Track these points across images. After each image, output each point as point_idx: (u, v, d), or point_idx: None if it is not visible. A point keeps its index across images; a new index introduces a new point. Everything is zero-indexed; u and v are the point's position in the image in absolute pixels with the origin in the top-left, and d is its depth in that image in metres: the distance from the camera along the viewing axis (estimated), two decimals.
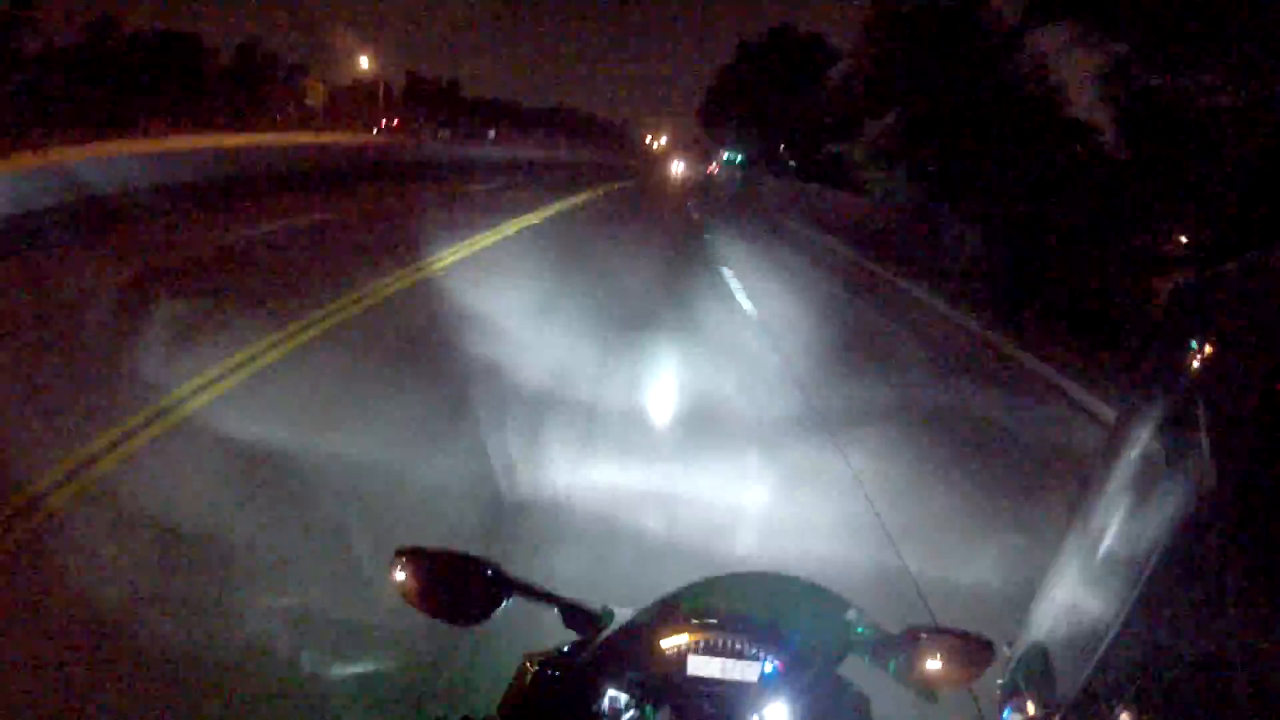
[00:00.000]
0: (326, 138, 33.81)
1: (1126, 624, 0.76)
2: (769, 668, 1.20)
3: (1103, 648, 0.84)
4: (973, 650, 1.31)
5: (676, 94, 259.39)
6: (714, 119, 64.82)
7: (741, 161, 74.13)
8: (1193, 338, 1.20)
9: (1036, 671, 1.02)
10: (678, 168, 79.26)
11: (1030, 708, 0.96)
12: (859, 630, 1.34)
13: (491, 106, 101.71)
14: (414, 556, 1.34)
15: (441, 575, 1.34)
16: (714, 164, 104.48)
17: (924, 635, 1.31)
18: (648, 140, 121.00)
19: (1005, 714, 0.92)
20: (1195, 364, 1.12)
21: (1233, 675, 0.68)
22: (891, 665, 1.31)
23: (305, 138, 31.92)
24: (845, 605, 1.35)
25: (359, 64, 53.57)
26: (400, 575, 1.33)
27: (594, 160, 71.76)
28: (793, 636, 1.23)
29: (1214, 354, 1.08)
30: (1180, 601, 0.76)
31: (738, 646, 1.20)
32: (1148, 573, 0.79)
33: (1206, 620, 0.73)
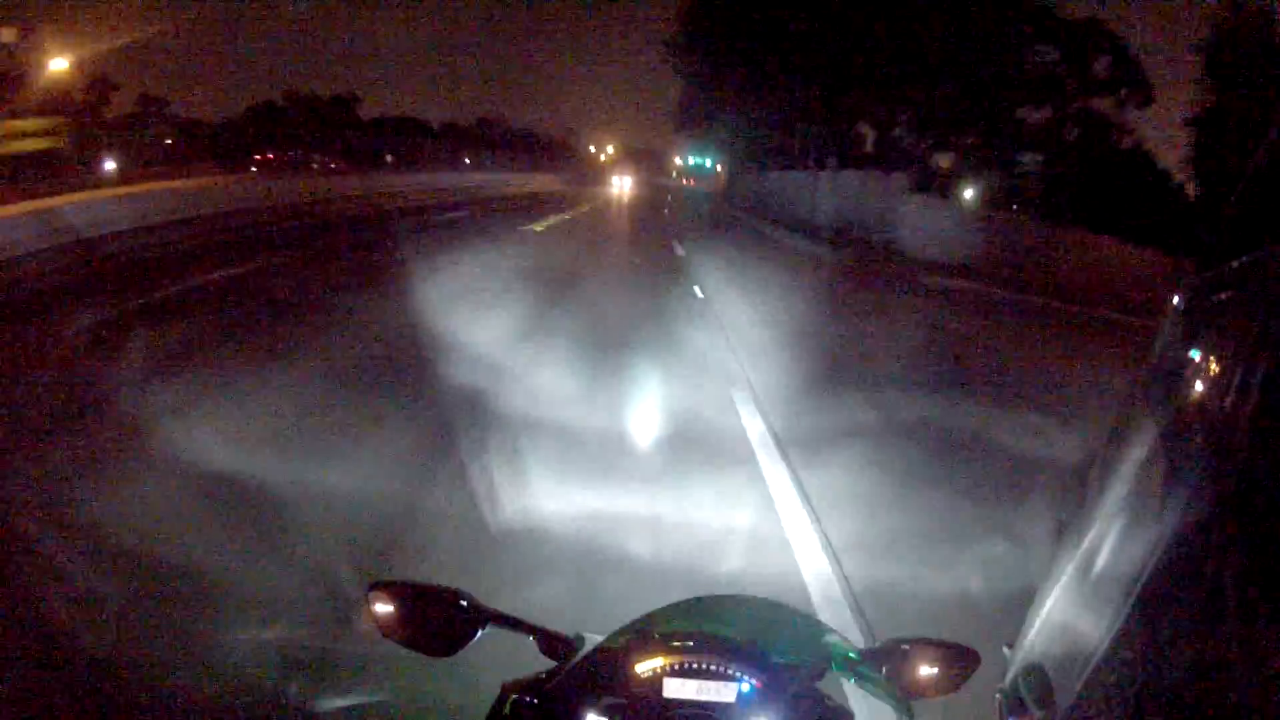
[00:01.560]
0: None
1: (1125, 632, 0.76)
2: (746, 687, 1.19)
3: (1100, 655, 0.84)
4: (956, 658, 1.31)
5: (630, 100, 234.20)
6: (691, 109, 51.58)
7: (710, 168, 73.99)
8: (1191, 343, 1.21)
9: (1036, 680, 1.02)
10: (621, 185, 70.53)
11: (1059, 619, 0.95)
12: (837, 646, 1.34)
13: (399, 126, 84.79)
14: (387, 589, 1.34)
15: (416, 607, 1.34)
16: (676, 174, 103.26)
17: (905, 646, 1.32)
18: (593, 151, 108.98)
19: (1034, 628, 0.92)
20: (1193, 369, 1.13)
21: (1232, 683, 0.69)
22: (871, 679, 1.31)
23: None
24: (822, 627, 1.35)
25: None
26: (375, 607, 1.33)
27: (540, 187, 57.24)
28: (770, 655, 1.23)
29: (1213, 358, 1.09)
30: (1179, 609, 0.76)
31: (714, 667, 1.19)
32: (1146, 580, 0.80)
33: (1206, 628, 0.73)
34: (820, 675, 1.28)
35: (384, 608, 1.33)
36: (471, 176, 55.12)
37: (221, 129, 66.45)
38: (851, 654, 1.33)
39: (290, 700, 3.08)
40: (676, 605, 1.30)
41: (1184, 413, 1.07)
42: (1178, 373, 1.24)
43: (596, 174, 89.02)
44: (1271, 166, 1.43)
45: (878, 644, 1.36)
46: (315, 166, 52.10)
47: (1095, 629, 0.96)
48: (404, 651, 1.35)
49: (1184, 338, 1.28)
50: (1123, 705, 0.75)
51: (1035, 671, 1.05)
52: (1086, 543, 1.30)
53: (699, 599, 1.32)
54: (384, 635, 1.35)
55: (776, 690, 1.20)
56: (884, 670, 1.32)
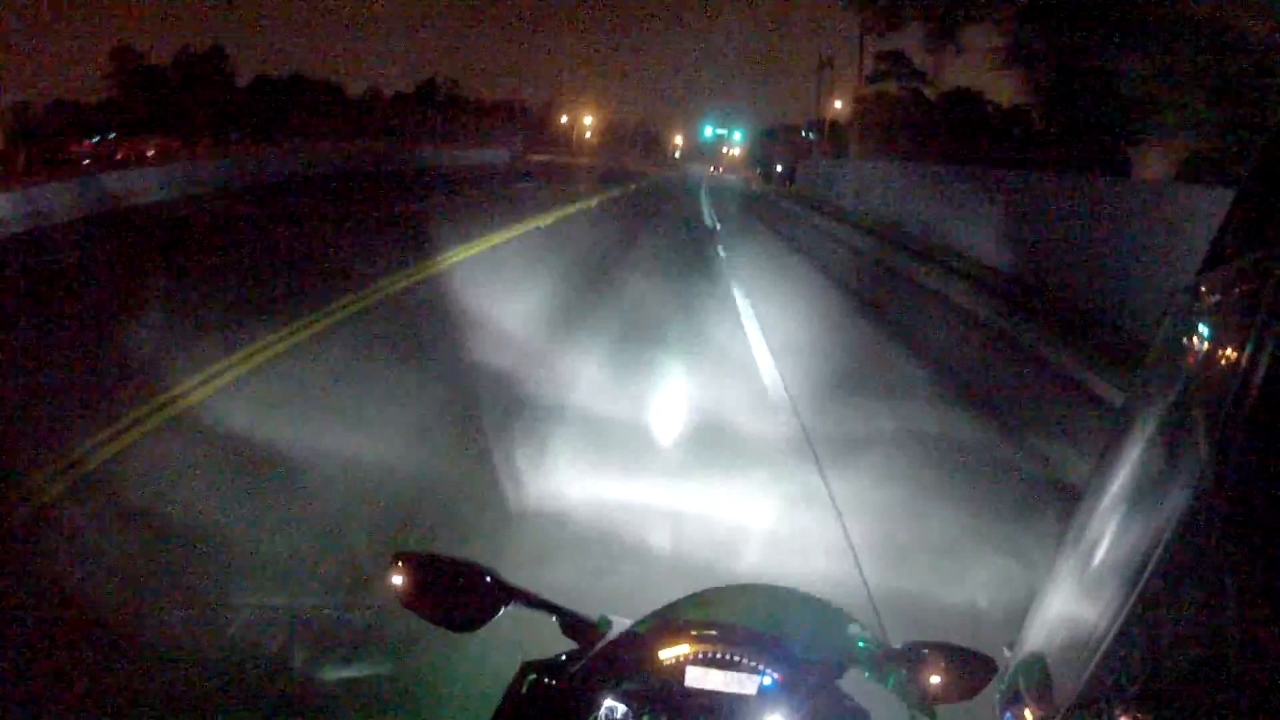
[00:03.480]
0: None
1: (1125, 627, 0.76)
2: (768, 680, 1.18)
3: (1101, 651, 0.84)
4: (974, 666, 1.29)
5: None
6: None
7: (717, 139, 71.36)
8: (1191, 336, 1.20)
9: (1035, 677, 1.01)
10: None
11: (1028, 715, 0.95)
12: (860, 644, 1.33)
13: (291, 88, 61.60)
14: (412, 561, 1.34)
15: (440, 580, 1.33)
16: (678, 156, 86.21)
17: (925, 650, 1.30)
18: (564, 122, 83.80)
19: (1034, 628, 0.91)
20: (1193, 362, 1.11)
21: (1232, 677, 0.68)
22: (891, 680, 1.29)
23: None
24: (846, 618, 1.34)
25: None
26: (398, 579, 1.33)
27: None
28: (793, 649, 1.22)
29: (1212, 352, 1.08)
30: (1179, 603, 0.76)
31: (737, 658, 1.18)
32: (1146, 575, 0.79)
33: (1206, 621, 0.73)
34: (841, 672, 1.27)
35: (406, 579, 1.33)
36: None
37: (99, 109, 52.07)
38: (873, 652, 1.32)
39: (307, 669, 3.11)
40: (702, 593, 1.29)
41: (1183, 410, 1.06)
42: (1179, 371, 1.23)
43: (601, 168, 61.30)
44: (1274, 164, 1.40)
45: (898, 645, 1.34)
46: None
47: (1095, 626, 0.95)
48: (424, 624, 1.35)
49: (1186, 336, 1.26)
50: (1125, 699, 0.74)
51: (1035, 667, 1.04)
52: (1088, 536, 1.29)
53: (725, 587, 1.31)
54: (405, 606, 1.34)
55: (797, 685, 1.19)
56: (903, 672, 1.30)
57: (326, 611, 3.45)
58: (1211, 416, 0.82)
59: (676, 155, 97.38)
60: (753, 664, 1.18)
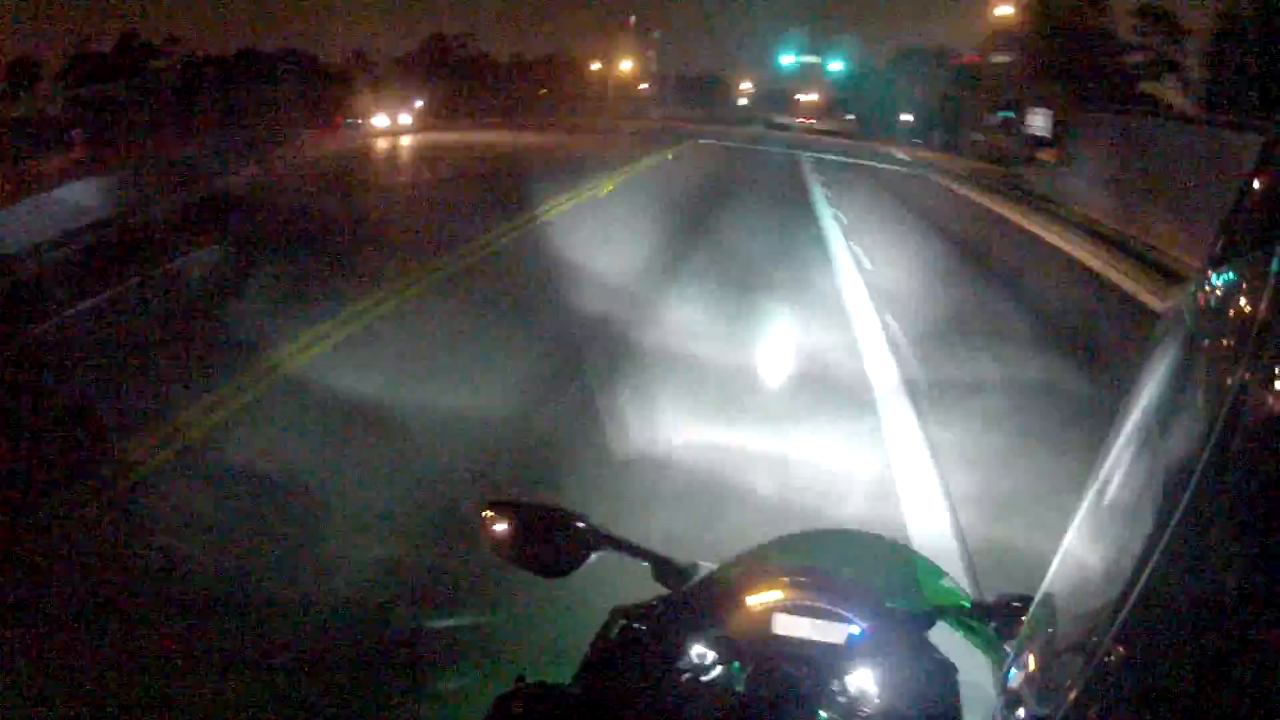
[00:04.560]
0: None
1: (1135, 573, 0.75)
2: (856, 630, 1.18)
3: (1107, 598, 0.82)
4: None
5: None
6: None
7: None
8: (1196, 340, 1.16)
9: (1041, 624, 0.99)
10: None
11: (1031, 662, 0.93)
12: (949, 596, 1.31)
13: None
14: (503, 509, 1.37)
15: (531, 528, 1.37)
16: (748, 103, 64.61)
17: (1016, 603, 1.28)
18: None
19: (1010, 673, 0.90)
20: (1196, 367, 1.08)
21: (1236, 628, 0.67)
22: (981, 634, 1.28)
23: None
24: (937, 570, 1.33)
25: None
26: (490, 528, 1.37)
27: None
28: (882, 599, 1.21)
29: (1211, 354, 1.04)
30: (1187, 552, 0.74)
31: (825, 606, 1.18)
32: (1157, 519, 0.77)
33: (1216, 574, 0.71)
34: (930, 624, 1.26)
35: (499, 527, 1.36)
36: None
37: None
38: (963, 605, 1.30)
39: (406, 620, 3.24)
40: (791, 537, 1.29)
41: (1204, 343, 1.02)
42: (1180, 370, 1.18)
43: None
44: (1276, 162, 1.33)
45: (989, 598, 1.33)
46: None
47: (1104, 572, 0.93)
48: (516, 572, 1.38)
49: (1188, 334, 1.21)
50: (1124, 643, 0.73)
51: (1043, 615, 1.02)
52: (1101, 484, 1.25)
53: (815, 532, 1.31)
54: (496, 554, 1.38)
55: (886, 636, 1.18)
56: (992, 626, 1.29)
57: (426, 561, 3.58)
58: (1209, 424, 0.79)
59: (742, 103, 72.83)
60: (842, 613, 1.18)
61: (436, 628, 3.24)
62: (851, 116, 58.79)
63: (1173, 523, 0.72)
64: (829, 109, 64.09)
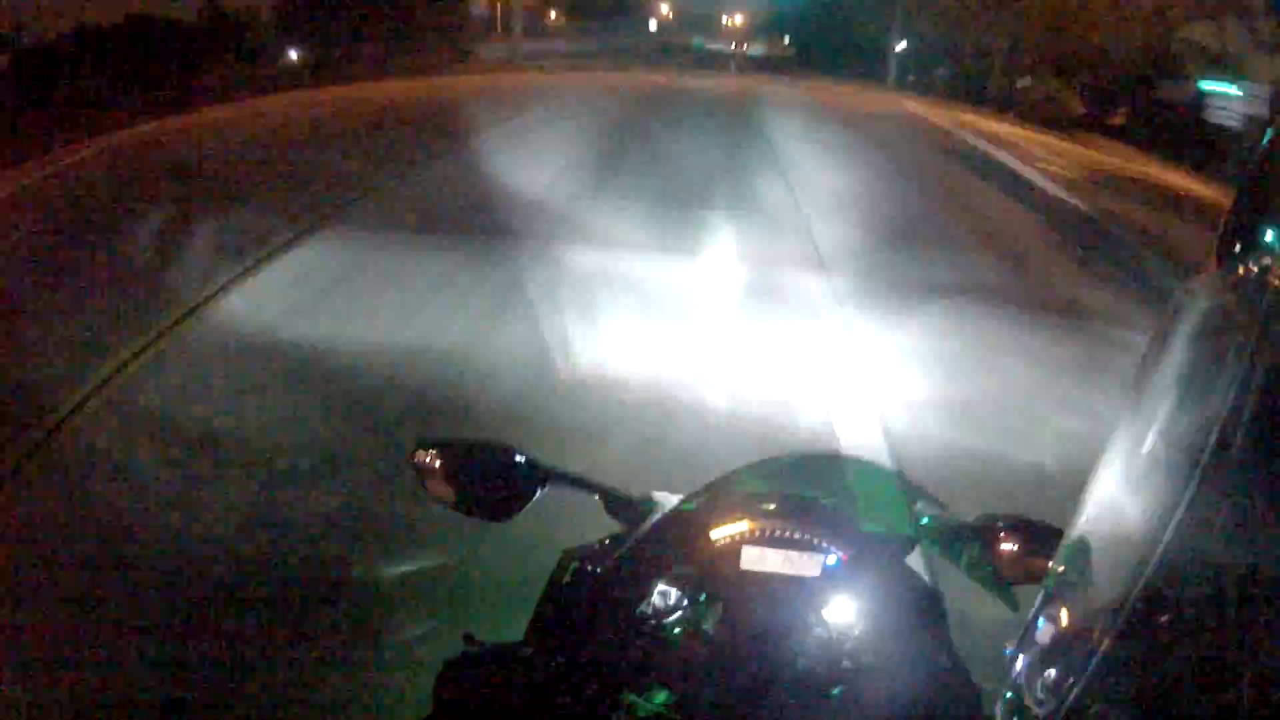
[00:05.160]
0: None
1: (1178, 526, 0.71)
2: (832, 559, 1.08)
3: (1147, 552, 0.77)
4: (1051, 540, 1.20)
5: None
6: None
7: None
8: (1190, 339, 1.12)
9: (1076, 572, 0.93)
10: None
11: (1064, 615, 0.87)
12: (929, 517, 1.23)
13: None
14: (437, 450, 1.25)
15: (468, 466, 1.25)
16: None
17: (999, 524, 1.20)
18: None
19: (1039, 623, 0.84)
20: (1196, 368, 1.03)
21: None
22: (964, 557, 1.20)
23: None
24: (914, 489, 1.24)
25: None
26: (422, 470, 1.24)
27: None
28: (858, 524, 1.11)
29: (1210, 358, 1.02)
30: (1228, 504, 0.71)
31: (798, 536, 1.08)
32: (1198, 468, 0.73)
33: (1255, 527, 0.70)
34: (911, 548, 1.17)
35: (431, 468, 1.24)
36: None
37: None
38: (943, 526, 1.22)
39: (350, 566, 3.11)
40: (756, 464, 1.19)
41: (1184, 411, 0.98)
42: (1180, 370, 1.14)
43: None
44: (1275, 162, 1.33)
45: (969, 518, 1.24)
46: None
47: (1140, 521, 0.88)
48: (457, 516, 1.26)
49: (1189, 336, 1.17)
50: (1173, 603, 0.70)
51: (1078, 560, 0.96)
52: (1139, 424, 1.21)
53: (780, 458, 1.20)
54: (433, 499, 1.26)
55: (864, 564, 1.09)
56: (975, 548, 1.21)
57: (366, 506, 3.45)
58: (1207, 425, 0.75)
59: (655, 29, 56.11)
60: (815, 541, 1.08)
61: (380, 578, 3.12)
62: (787, 42, 46.37)
63: (1174, 521, 0.69)
64: (758, 35, 51.42)
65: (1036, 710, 0.75)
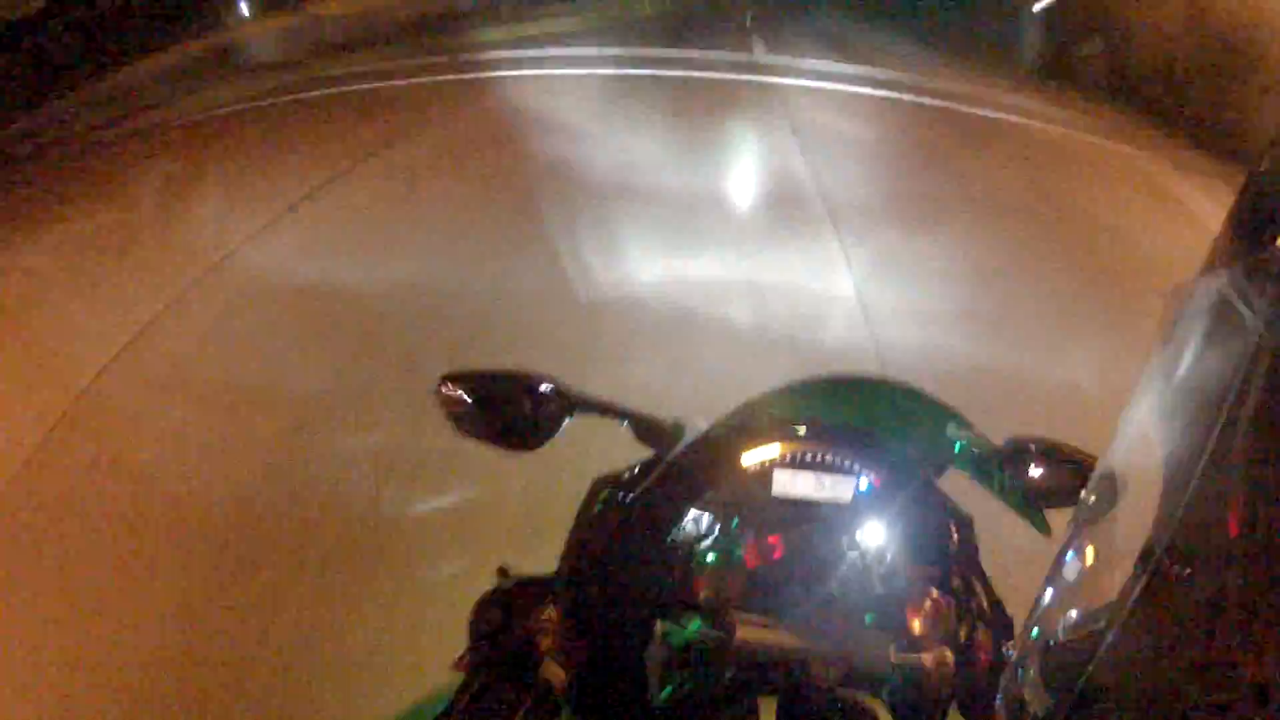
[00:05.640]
0: None
1: (1207, 466, 0.70)
2: (864, 484, 1.07)
3: (1175, 500, 0.76)
4: (1083, 465, 1.17)
5: None
6: None
7: None
8: (1198, 341, 1.08)
9: (1104, 506, 0.92)
10: None
11: (1090, 553, 0.86)
12: (961, 442, 1.21)
13: None
14: (461, 381, 1.24)
15: (494, 397, 1.23)
16: None
17: (1031, 447, 1.18)
18: None
19: (1068, 556, 0.82)
20: (1196, 368, 1.00)
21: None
22: (995, 481, 1.18)
23: None
24: (946, 412, 1.21)
25: None
26: (450, 402, 1.23)
27: None
28: (890, 448, 1.10)
29: (1208, 358, 0.98)
30: (1255, 450, 0.70)
31: (829, 460, 1.06)
32: (1224, 413, 0.72)
33: (1206, 624, 0.70)
34: (942, 471, 1.15)
35: (459, 400, 1.23)
36: None
37: None
38: (976, 450, 1.20)
39: (377, 503, 3.14)
40: (788, 386, 1.17)
41: (1184, 408, 0.94)
42: (1181, 371, 1.10)
43: None
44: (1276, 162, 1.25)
45: (1001, 443, 1.22)
46: None
47: (1171, 459, 0.87)
48: (486, 449, 1.25)
49: (1189, 336, 1.12)
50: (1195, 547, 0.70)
51: (1105, 495, 0.94)
52: (1168, 360, 1.19)
53: (812, 380, 1.18)
54: (460, 431, 1.25)
55: (895, 488, 1.07)
56: (1007, 472, 1.19)
57: (396, 444, 3.47)
58: (1210, 420, 0.75)
59: None
60: (846, 465, 1.07)
61: (411, 514, 3.15)
62: None
63: (1176, 517, 0.68)
64: None
65: (1091, 557, 0.77)
